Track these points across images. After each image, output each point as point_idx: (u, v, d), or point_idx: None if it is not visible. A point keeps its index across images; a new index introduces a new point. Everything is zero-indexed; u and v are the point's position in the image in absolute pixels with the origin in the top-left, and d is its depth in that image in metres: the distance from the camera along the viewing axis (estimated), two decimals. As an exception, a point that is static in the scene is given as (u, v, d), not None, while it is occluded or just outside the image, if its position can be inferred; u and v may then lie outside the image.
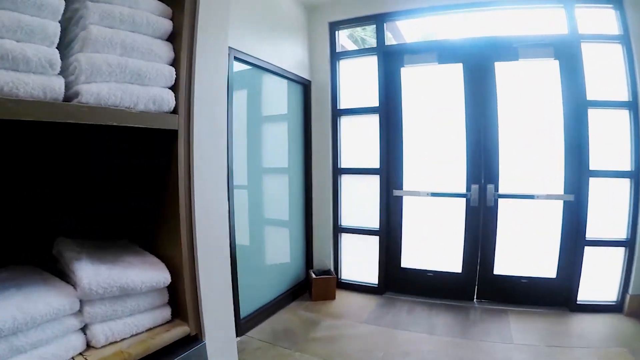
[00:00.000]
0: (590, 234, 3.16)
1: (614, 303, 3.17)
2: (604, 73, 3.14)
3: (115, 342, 1.00)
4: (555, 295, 3.28)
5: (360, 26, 4.12)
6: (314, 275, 3.69)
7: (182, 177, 1.11)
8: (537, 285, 3.34)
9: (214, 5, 1.22)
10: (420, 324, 3.08)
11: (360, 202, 3.93)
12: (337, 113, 3.93)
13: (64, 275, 1.03)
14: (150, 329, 1.08)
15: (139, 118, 0.98)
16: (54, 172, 1.27)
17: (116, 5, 0.96)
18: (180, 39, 1.10)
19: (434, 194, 3.62)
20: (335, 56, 3.91)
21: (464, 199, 3.50)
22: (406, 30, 4.16)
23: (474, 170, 3.46)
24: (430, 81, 3.66)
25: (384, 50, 3.70)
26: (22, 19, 0.78)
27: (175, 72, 1.08)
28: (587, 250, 3.17)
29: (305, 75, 3.84)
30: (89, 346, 0.97)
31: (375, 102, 3.74)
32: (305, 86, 3.89)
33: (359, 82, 3.90)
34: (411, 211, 3.75)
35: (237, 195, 2.91)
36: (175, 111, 1.09)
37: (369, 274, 3.86)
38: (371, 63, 3.76)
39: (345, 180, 3.98)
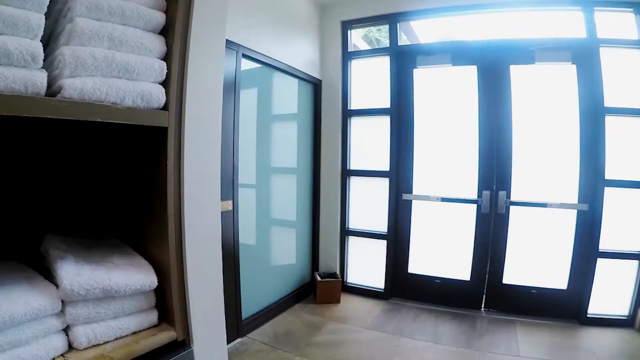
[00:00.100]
0: (603, 246, 3.05)
1: (625, 317, 3.06)
2: (623, 79, 3.02)
3: (98, 344, 0.99)
4: (565, 307, 3.18)
5: (373, 25, 4.05)
6: (319, 278, 3.65)
7: (171, 175, 1.08)
8: (547, 296, 3.23)
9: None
10: (425, 332, 3.02)
11: (368, 204, 3.86)
12: (347, 113, 3.87)
13: (49, 273, 1.01)
14: (135, 333, 1.05)
15: (126, 114, 0.94)
16: (43, 168, 1.25)
17: (105, -3, 0.92)
18: (174, 32, 1.06)
19: (444, 199, 3.53)
20: (347, 56, 3.86)
21: (475, 205, 3.42)
22: (420, 31, 4.07)
23: (485, 176, 3.37)
24: (443, 83, 3.57)
25: (396, 51, 3.63)
26: (4, 10, 0.76)
27: (166, 67, 1.04)
28: (600, 262, 3.06)
29: (315, 74, 3.79)
30: (71, 347, 0.95)
31: (386, 104, 3.68)
32: (315, 85, 3.85)
33: (370, 83, 3.83)
34: (420, 216, 3.67)
35: (244, 194, 2.88)
36: (165, 107, 1.05)
37: (375, 279, 3.80)
38: (383, 63, 3.69)
39: (354, 182, 3.92)
